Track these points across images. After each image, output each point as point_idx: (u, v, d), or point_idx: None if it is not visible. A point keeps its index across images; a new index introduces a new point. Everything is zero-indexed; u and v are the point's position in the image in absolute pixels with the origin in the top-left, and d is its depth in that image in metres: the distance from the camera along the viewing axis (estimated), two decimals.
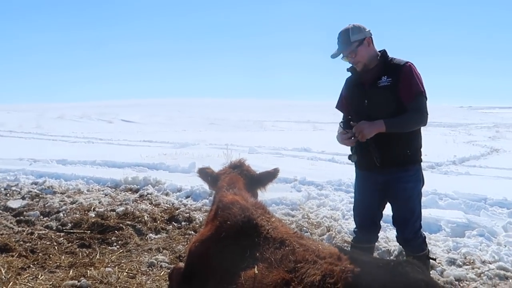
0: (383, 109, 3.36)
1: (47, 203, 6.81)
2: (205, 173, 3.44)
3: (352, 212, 3.92)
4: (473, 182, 8.57)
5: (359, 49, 3.43)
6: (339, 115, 3.75)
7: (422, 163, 3.61)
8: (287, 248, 2.22)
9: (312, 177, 8.65)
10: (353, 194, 3.97)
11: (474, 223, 5.66)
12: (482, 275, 4.43)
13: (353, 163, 3.66)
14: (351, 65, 3.58)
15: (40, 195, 7.34)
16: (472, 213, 6.20)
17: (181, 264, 3.23)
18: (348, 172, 7.66)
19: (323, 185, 8.06)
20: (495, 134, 22.73)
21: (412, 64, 3.39)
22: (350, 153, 3.55)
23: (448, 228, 5.63)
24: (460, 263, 4.72)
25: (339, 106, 3.81)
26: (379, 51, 3.52)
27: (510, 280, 4.34)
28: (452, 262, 4.75)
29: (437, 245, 5.20)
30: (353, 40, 3.41)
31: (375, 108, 3.40)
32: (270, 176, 3.38)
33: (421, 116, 3.33)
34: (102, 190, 7.79)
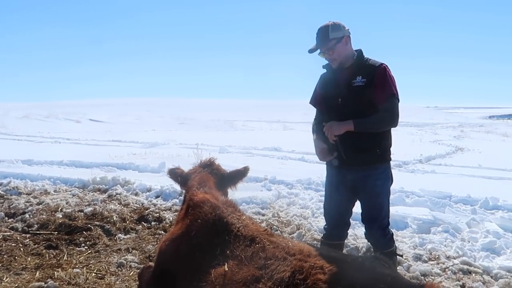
0: (356, 108, 3.40)
1: (12, 204, 6.63)
2: (175, 173, 3.41)
3: (321, 211, 3.96)
4: (439, 180, 8.78)
5: (337, 47, 3.45)
6: (310, 115, 3.78)
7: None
8: (257, 245, 2.24)
9: (282, 176, 8.70)
10: (322, 193, 4.00)
11: (439, 219, 5.81)
12: (446, 270, 4.56)
13: (325, 162, 3.73)
14: (327, 62, 3.61)
15: (5, 196, 7.15)
16: (438, 210, 6.36)
17: (151, 264, 3.20)
18: (317, 171, 7.74)
19: (293, 184, 8.12)
20: (460, 134, 23.41)
21: (387, 66, 3.44)
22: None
23: (415, 225, 5.76)
24: (426, 259, 4.84)
25: (313, 102, 3.83)
26: (355, 51, 3.56)
27: (473, 275, 4.47)
28: (418, 258, 4.87)
29: (404, 242, 5.32)
30: (331, 37, 3.43)
31: (348, 107, 3.44)
32: (240, 174, 3.37)
33: (392, 118, 3.39)
34: (70, 191, 7.65)
